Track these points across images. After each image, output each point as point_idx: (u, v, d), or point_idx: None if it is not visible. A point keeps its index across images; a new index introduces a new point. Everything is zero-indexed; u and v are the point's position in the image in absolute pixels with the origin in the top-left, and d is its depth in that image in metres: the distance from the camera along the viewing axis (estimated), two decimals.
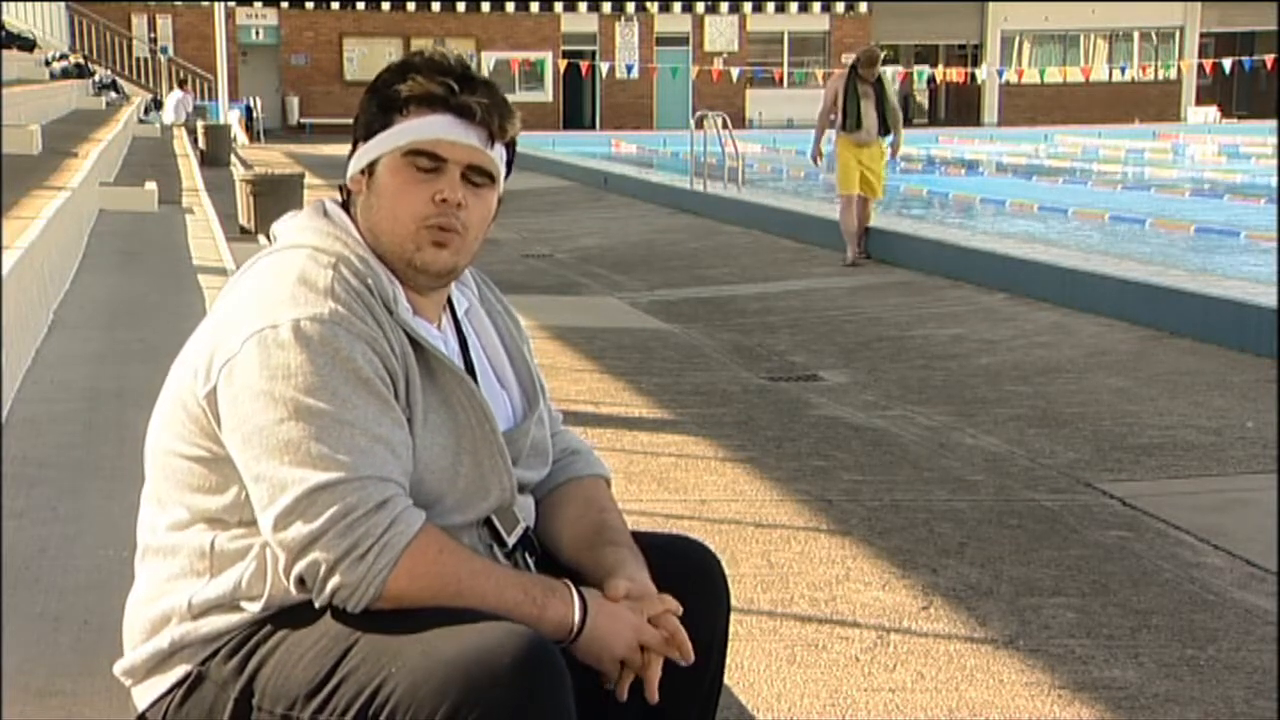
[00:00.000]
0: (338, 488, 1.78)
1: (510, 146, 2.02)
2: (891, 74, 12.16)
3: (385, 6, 40.90)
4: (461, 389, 1.95)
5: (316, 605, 1.83)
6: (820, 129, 12.48)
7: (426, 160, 1.94)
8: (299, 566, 1.80)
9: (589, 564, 1.99)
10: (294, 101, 39.99)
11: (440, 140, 1.94)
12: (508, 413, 2.08)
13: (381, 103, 1.97)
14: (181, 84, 33.53)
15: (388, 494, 1.81)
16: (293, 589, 1.84)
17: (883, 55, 12.46)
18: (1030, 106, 42.55)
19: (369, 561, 1.78)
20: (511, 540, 2.00)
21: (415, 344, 1.92)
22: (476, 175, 1.97)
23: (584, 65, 37.98)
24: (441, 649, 1.72)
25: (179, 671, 1.92)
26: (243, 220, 13.23)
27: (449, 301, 2.09)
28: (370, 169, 1.98)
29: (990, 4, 44.41)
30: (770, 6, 43.17)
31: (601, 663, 1.89)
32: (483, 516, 1.97)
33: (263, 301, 1.87)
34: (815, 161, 13.04)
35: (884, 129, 11.93)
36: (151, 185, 11.60)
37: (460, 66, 1.97)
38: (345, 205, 2.04)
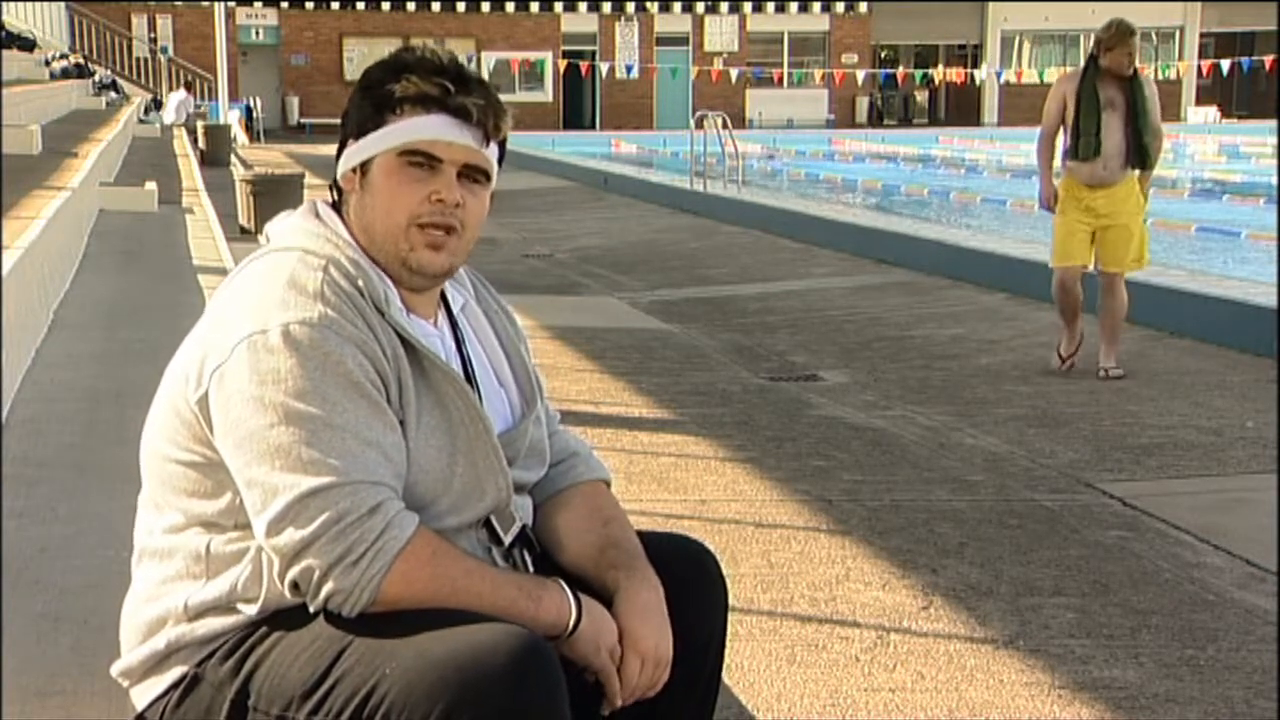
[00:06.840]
0: (329, 492, 1.78)
1: (501, 144, 2.02)
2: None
3: (385, 6, 40.90)
4: (454, 388, 1.94)
5: (311, 610, 1.83)
6: (1045, 159, 7.60)
7: (423, 159, 1.94)
8: (293, 572, 1.80)
9: (596, 584, 1.98)
10: (294, 101, 39.99)
11: (437, 141, 1.93)
12: (506, 412, 2.08)
13: (375, 101, 1.96)
14: (187, 85, 33.44)
15: (380, 498, 1.80)
16: (287, 594, 1.84)
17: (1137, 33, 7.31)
18: (1030, 107, 42.22)
19: (362, 567, 1.78)
20: (509, 539, 1.99)
21: (408, 345, 1.91)
22: (473, 175, 1.97)
23: (584, 65, 37.97)
24: (435, 649, 1.72)
25: (176, 672, 1.92)
26: (243, 220, 13.23)
27: (444, 298, 2.08)
28: (363, 168, 1.97)
29: (990, 4, 44.40)
30: (770, 6, 43.17)
31: (592, 660, 1.90)
32: (479, 518, 1.97)
33: (253, 306, 1.86)
34: (1049, 207, 7.55)
35: (1138, 158, 7.27)
36: (151, 185, 11.60)
37: (454, 66, 1.97)
38: (337, 204, 2.03)
